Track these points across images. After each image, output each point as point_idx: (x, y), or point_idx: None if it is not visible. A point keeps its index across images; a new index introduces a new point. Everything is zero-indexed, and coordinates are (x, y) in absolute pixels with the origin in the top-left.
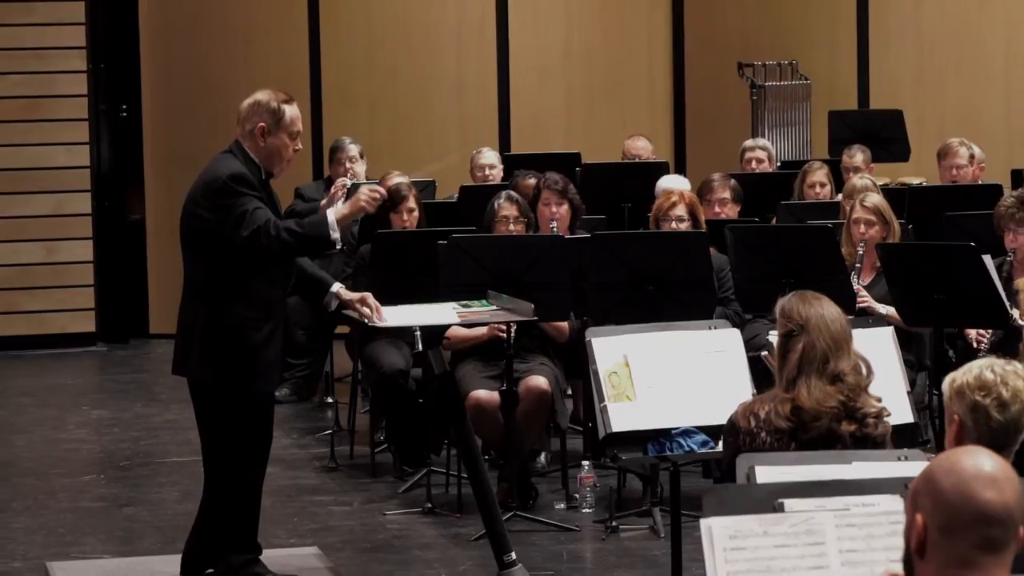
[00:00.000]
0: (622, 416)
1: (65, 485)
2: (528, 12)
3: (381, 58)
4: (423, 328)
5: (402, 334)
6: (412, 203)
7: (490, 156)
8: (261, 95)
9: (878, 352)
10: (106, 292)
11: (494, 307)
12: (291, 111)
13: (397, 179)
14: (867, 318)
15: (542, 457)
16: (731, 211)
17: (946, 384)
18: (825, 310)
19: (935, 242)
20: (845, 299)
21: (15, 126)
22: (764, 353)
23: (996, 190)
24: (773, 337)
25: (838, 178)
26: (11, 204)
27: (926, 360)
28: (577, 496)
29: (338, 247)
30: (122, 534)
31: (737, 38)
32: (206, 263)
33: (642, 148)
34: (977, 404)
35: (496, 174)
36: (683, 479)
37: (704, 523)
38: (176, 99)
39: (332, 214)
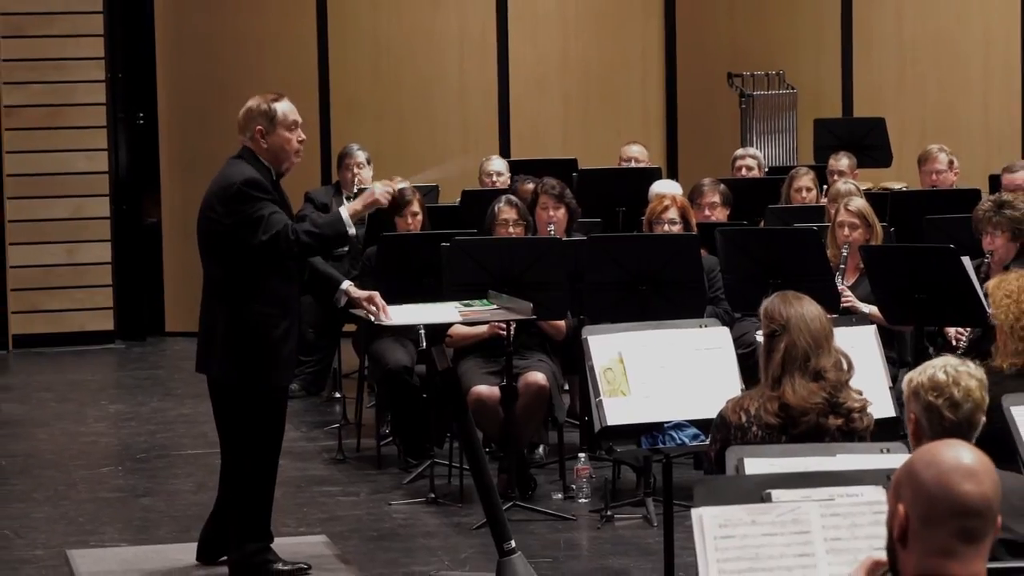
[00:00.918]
0: (617, 410)
1: (84, 476)
2: (527, 24)
3: (387, 67)
4: (427, 326)
5: (407, 332)
6: (416, 207)
7: (498, 164)
8: (251, 102)
9: (861, 349)
10: (124, 292)
11: (494, 306)
12: (282, 106)
13: (401, 184)
14: (851, 317)
15: (540, 449)
16: (720, 214)
17: (904, 384)
18: (805, 310)
19: (916, 244)
20: (830, 299)
21: (37, 133)
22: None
23: (975, 194)
24: (760, 336)
25: (823, 183)
26: (33, 208)
27: (907, 357)
28: (574, 487)
29: (355, 240)
30: (139, 523)
31: (727, 50)
32: (224, 265)
33: (637, 153)
34: (931, 404)
35: (503, 181)
36: (675, 470)
37: (695, 512)
38: (190, 107)
39: (345, 210)
